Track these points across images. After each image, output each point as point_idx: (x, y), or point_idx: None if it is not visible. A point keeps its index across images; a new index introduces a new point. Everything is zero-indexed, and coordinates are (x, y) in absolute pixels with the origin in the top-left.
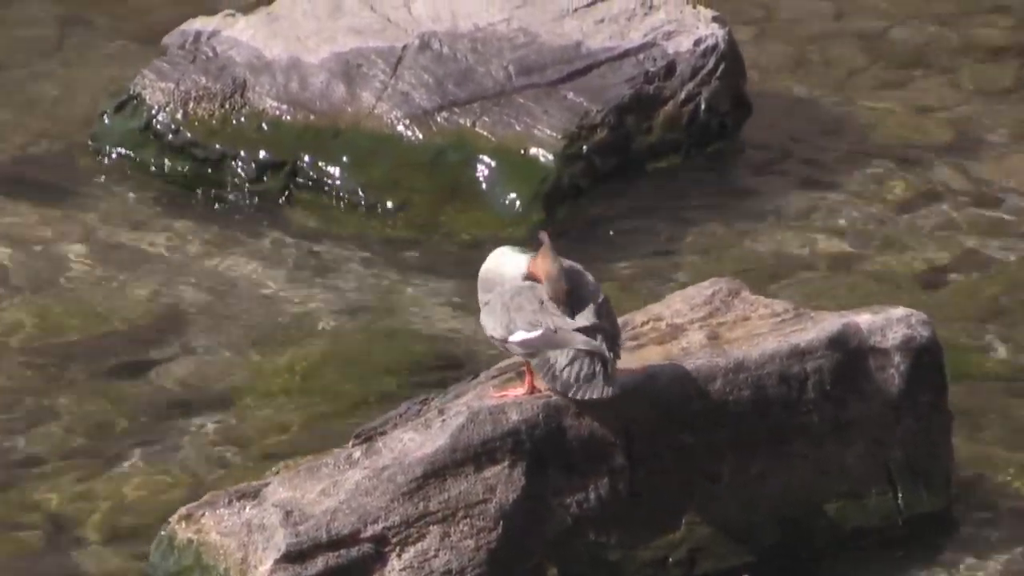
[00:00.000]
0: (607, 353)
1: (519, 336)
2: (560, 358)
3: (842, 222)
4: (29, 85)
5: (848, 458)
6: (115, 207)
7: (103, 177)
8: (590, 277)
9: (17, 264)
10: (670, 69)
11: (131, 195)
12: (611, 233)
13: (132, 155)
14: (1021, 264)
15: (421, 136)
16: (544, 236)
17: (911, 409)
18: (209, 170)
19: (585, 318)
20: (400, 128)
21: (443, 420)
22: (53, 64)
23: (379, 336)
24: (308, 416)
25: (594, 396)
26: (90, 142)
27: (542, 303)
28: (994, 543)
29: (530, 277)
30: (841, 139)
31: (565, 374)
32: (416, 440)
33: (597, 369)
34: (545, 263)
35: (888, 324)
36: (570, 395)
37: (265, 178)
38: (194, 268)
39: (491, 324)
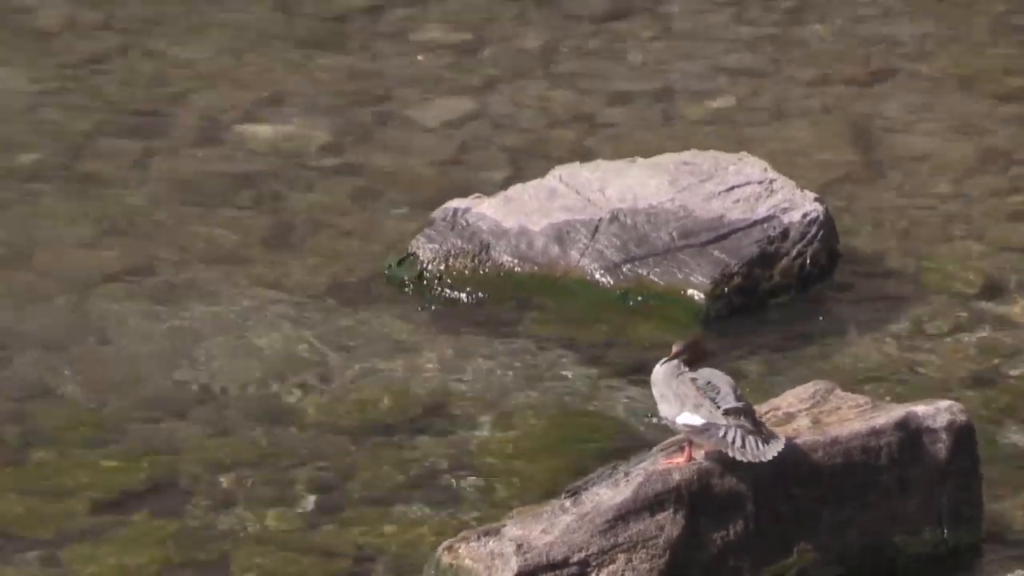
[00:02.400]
0: (761, 431)
1: (684, 418)
2: (736, 438)
3: (908, 343)
4: (336, 236)
5: (909, 506)
6: (398, 324)
7: (393, 304)
8: (729, 377)
9: (324, 362)
10: (785, 234)
11: (409, 317)
12: (744, 349)
13: (410, 293)
14: None
15: (612, 282)
16: (688, 344)
17: (953, 472)
18: (463, 305)
19: (729, 401)
20: (597, 276)
21: (627, 479)
22: (354, 222)
23: (584, 417)
24: (532, 476)
25: (765, 459)
26: (386, 274)
27: (698, 392)
28: (1013, 565)
29: (678, 352)
30: (905, 281)
31: (740, 446)
32: (608, 494)
33: (759, 442)
34: (688, 338)
35: (937, 412)
36: (747, 460)
37: (503, 312)
38: (452, 367)
39: (665, 409)
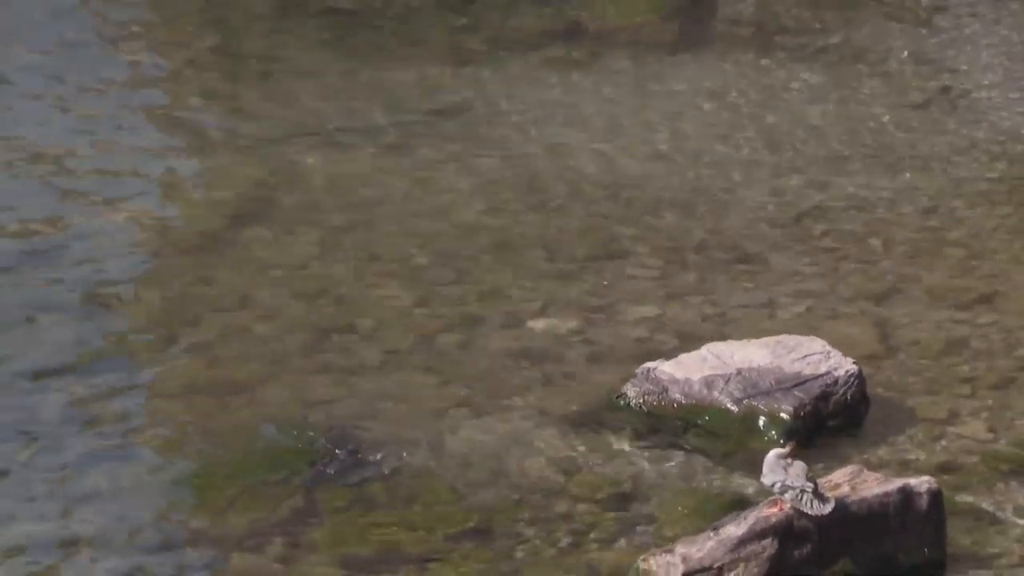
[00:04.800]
0: (823, 494)
1: (778, 479)
2: (806, 500)
3: (905, 445)
4: (582, 384)
5: (906, 537)
6: (617, 433)
7: (613, 422)
8: (804, 464)
9: (570, 455)
10: (836, 383)
11: (622, 430)
12: (813, 449)
13: (624, 416)
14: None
15: (737, 410)
16: (791, 443)
17: (930, 518)
18: (651, 423)
19: (802, 477)
20: (729, 406)
21: (745, 520)
22: (592, 376)
23: (722, 490)
24: (691, 520)
25: (825, 513)
26: (611, 403)
27: (785, 470)
28: (965, 568)
29: (784, 451)
30: (905, 413)
31: (808, 505)
32: (735, 528)
33: (820, 502)
34: (790, 445)
35: (921, 483)
36: (814, 514)
37: (674, 428)
38: (645, 461)
39: (767, 478)
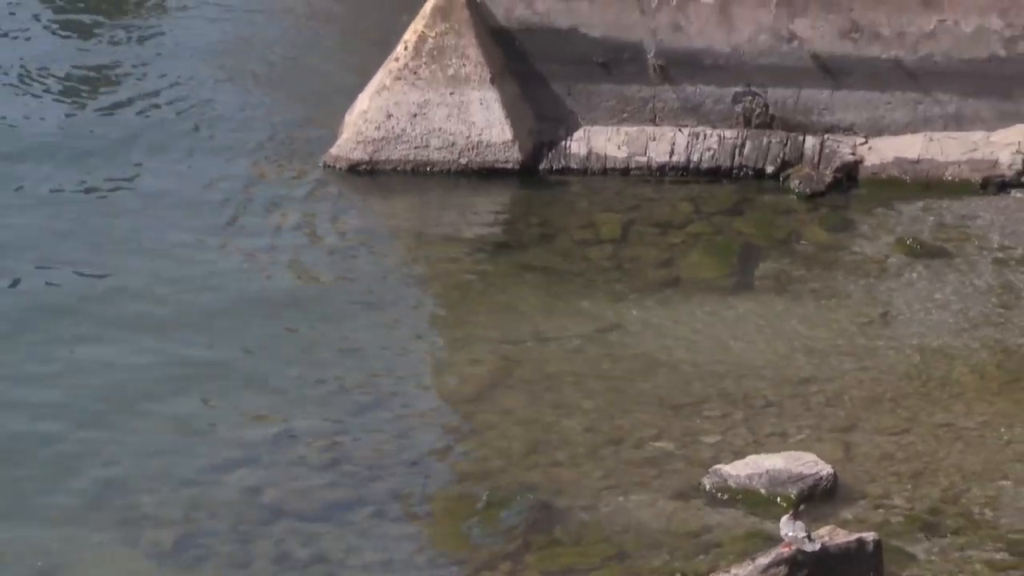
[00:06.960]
0: (813, 539)
1: (788, 531)
2: (804, 540)
3: (861, 516)
4: (666, 479)
5: (862, 567)
6: (704, 507)
7: (700, 500)
8: (802, 523)
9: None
10: (821, 478)
11: (706, 504)
12: (807, 514)
13: (705, 497)
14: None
15: (767, 494)
16: (795, 511)
17: (874, 555)
18: (720, 499)
19: (803, 529)
20: (762, 491)
21: (770, 554)
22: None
23: (766, 534)
24: (737, 557)
25: (815, 549)
26: (696, 490)
27: (792, 526)
28: None
29: (793, 518)
30: (856, 492)
31: (806, 545)
32: (764, 559)
33: (811, 542)
34: (792, 513)
35: (869, 535)
36: (808, 550)
37: (733, 500)
38: (717, 519)
39: (782, 532)
